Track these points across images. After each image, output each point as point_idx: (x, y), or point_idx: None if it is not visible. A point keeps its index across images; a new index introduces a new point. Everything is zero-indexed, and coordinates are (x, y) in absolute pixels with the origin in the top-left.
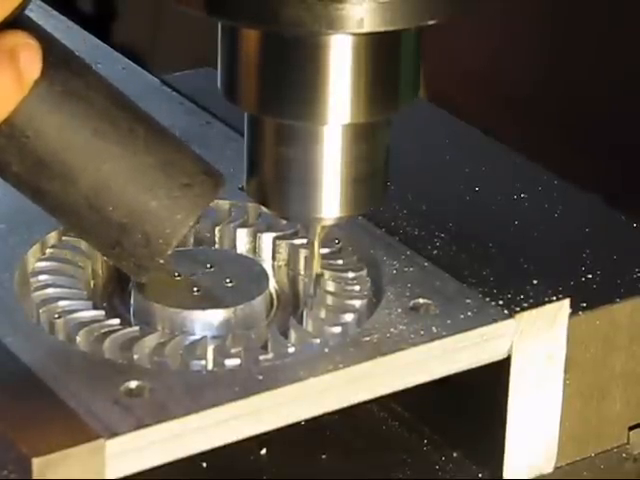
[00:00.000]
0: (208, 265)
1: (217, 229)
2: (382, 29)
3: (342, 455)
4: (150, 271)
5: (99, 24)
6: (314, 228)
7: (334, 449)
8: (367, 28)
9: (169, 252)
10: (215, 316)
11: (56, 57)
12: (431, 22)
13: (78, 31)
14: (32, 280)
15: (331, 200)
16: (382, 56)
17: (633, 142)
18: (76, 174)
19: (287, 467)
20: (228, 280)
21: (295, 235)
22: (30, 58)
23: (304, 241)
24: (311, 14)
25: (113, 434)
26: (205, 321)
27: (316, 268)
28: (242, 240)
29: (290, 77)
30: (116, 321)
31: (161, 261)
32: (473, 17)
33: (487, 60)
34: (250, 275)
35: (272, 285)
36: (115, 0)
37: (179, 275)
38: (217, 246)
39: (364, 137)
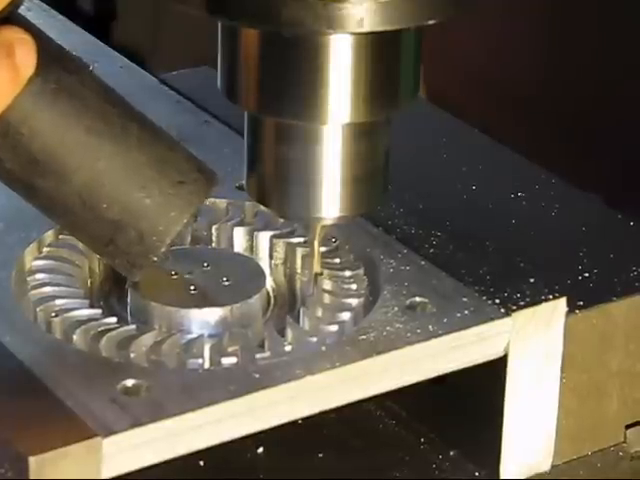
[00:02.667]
0: (205, 264)
1: (214, 228)
2: (382, 29)
3: (339, 454)
4: (143, 269)
5: (99, 24)
6: (314, 228)
7: (331, 448)
8: (367, 28)
9: (163, 249)
10: (212, 315)
11: (50, 55)
12: (431, 22)
13: (78, 31)
14: (29, 279)
15: (331, 200)
16: (382, 56)
17: (633, 142)
18: (69, 172)
19: (284, 466)
20: (225, 279)
21: (292, 234)
22: (25, 53)
23: (301, 239)
24: (311, 14)
25: (110, 432)
26: (202, 320)
27: (316, 268)
28: (239, 239)
29: (290, 76)
30: (113, 319)
31: (155, 259)
32: (473, 17)
33: (487, 60)
34: (247, 274)
35: (269, 284)
36: (115, 0)
37: (176, 274)
38: (214, 245)
39: (364, 136)
